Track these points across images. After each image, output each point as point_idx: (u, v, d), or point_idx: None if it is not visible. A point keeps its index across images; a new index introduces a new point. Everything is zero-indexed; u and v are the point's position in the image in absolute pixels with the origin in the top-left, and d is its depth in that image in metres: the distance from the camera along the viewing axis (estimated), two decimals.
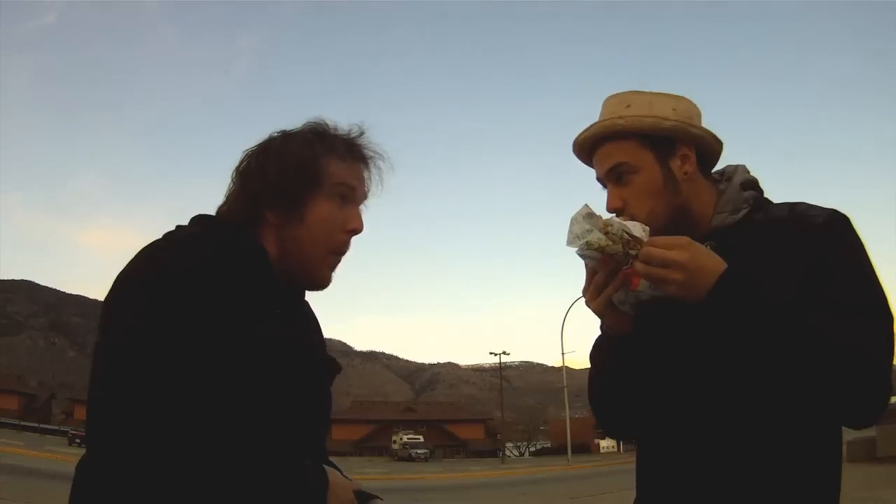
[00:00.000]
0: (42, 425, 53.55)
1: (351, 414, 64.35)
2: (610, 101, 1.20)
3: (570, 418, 36.84)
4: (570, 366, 38.57)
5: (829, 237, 1.06)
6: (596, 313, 1.13)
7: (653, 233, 1.06)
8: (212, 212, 1.15)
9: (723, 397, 1.06)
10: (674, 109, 1.14)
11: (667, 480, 1.13)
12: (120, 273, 0.99)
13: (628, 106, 1.15)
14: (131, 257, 1.00)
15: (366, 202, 1.18)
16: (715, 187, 1.20)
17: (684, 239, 1.02)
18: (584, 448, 54.04)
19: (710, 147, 1.18)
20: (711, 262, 1.01)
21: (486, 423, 68.44)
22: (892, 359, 1.01)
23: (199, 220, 1.12)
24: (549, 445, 64.63)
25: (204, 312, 0.94)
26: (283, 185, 1.08)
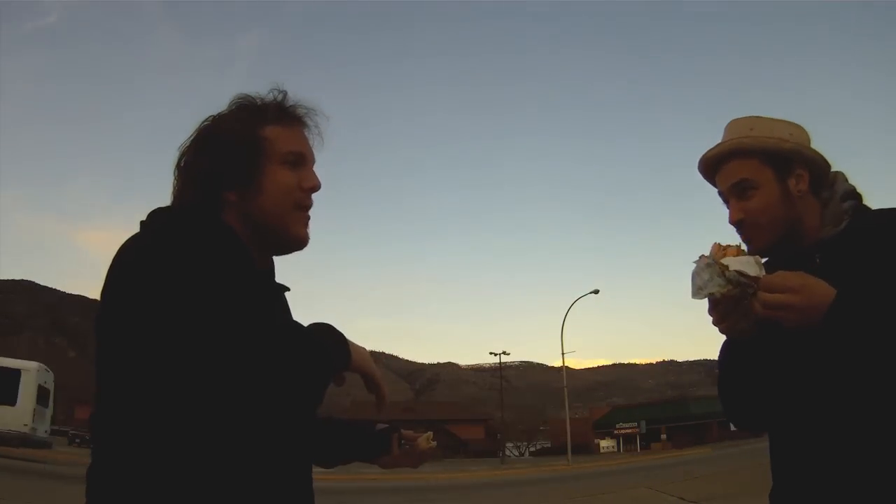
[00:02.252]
0: None
1: (351, 414, 64.12)
2: (734, 124, 1.33)
3: (570, 418, 36.79)
4: (570, 366, 38.57)
5: None
6: (722, 333, 1.26)
7: (767, 245, 1.25)
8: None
9: (844, 392, 1.13)
10: (791, 133, 1.27)
11: (799, 471, 1.20)
12: (111, 271, 0.99)
13: (752, 129, 1.28)
14: (115, 256, 1.00)
15: (315, 161, 1.20)
16: (820, 201, 1.29)
17: (797, 280, 1.11)
18: (584, 448, 54.06)
19: (821, 168, 1.28)
20: (822, 297, 1.09)
21: (486, 423, 68.42)
22: None
23: (162, 213, 1.11)
24: (549, 445, 64.68)
25: (205, 296, 0.94)
26: (234, 164, 1.10)
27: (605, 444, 59.50)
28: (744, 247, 1.22)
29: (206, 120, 1.16)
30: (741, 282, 1.11)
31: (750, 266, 1.13)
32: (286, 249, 1.18)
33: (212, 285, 0.95)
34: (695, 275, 1.16)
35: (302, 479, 1.13)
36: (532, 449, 67.97)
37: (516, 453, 63.54)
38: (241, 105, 1.16)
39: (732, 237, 1.29)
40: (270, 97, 1.17)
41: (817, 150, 1.29)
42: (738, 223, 1.28)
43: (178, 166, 1.14)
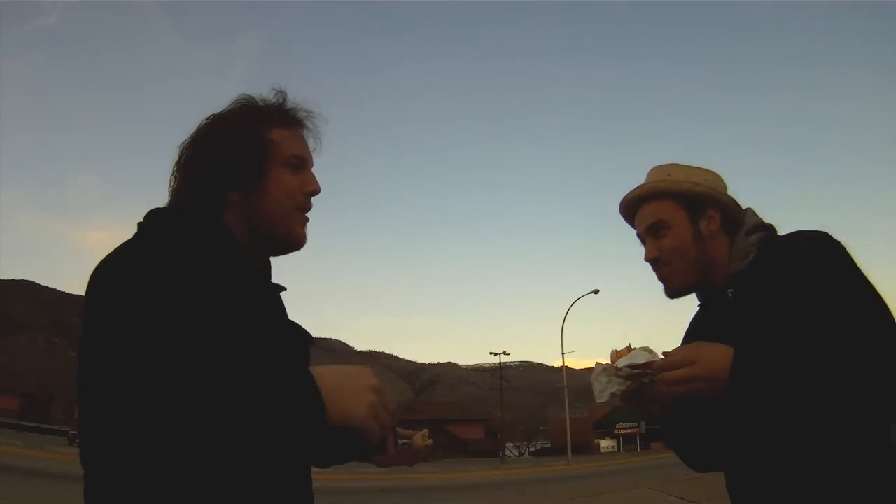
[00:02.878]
0: (42, 425, 53.52)
1: None
2: (653, 171, 1.43)
3: (570, 418, 36.80)
4: (570, 366, 38.52)
5: (807, 263, 1.19)
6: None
7: (682, 284, 1.35)
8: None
9: (769, 438, 1.21)
10: (705, 179, 1.38)
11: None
12: (96, 276, 0.97)
13: (669, 174, 1.39)
14: (104, 258, 0.99)
15: (315, 163, 1.22)
16: (730, 239, 1.37)
17: (692, 352, 1.17)
18: (584, 448, 54.02)
19: (732, 210, 1.37)
20: (720, 360, 1.14)
21: (486, 423, 68.36)
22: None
23: (160, 213, 1.11)
24: (549, 445, 64.64)
25: (188, 300, 0.93)
26: (240, 163, 1.10)
27: (605, 444, 59.42)
28: (634, 345, 1.28)
29: (208, 119, 1.16)
30: (633, 374, 1.19)
31: (639, 357, 1.20)
32: (284, 250, 1.19)
33: (188, 307, 0.92)
34: (594, 381, 1.25)
35: (299, 481, 1.13)
36: (532, 449, 67.91)
37: (516, 453, 63.51)
38: (244, 106, 1.16)
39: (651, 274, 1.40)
40: (272, 99, 1.18)
41: (729, 194, 1.39)
42: (653, 261, 1.37)
43: (178, 164, 1.14)
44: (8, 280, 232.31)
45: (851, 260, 1.20)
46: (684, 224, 1.35)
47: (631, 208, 1.42)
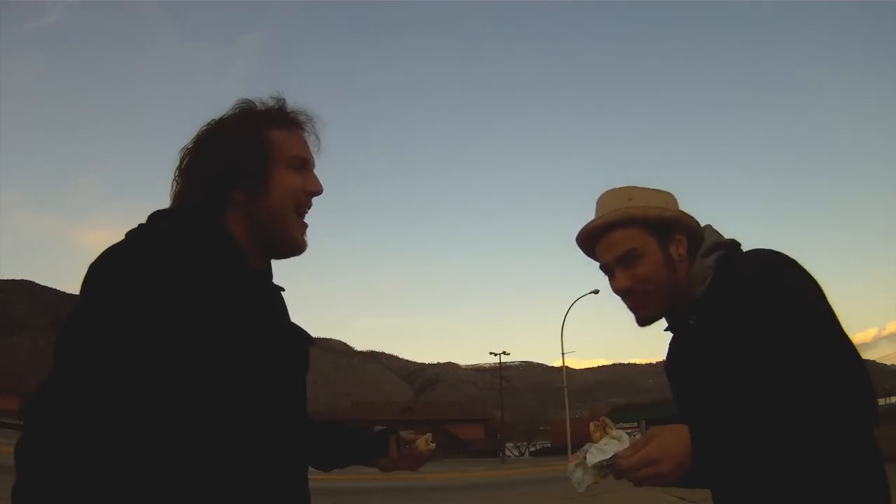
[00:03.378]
0: None
1: (351, 414, 64.14)
2: (608, 196, 1.36)
3: (570, 418, 36.71)
4: (570, 366, 38.52)
5: (761, 289, 1.17)
6: None
7: (655, 311, 1.32)
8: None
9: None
10: (666, 202, 1.34)
11: None
12: (87, 271, 0.98)
13: (630, 199, 1.32)
14: (99, 255, 1.00)
15: (316, 165, 1.23)
16: (691, 260, 1.34)
17: (654, 452, 1.10)
18: None
19: (696, 232, 1.34)
20: (682, 447, 1.10)
21: (486, 423, 68.31)
22: (856, 376, 1.09)
23: (161, 216, 1.11)
24: (549, 445, 64.52)
25: (172, 302, 0.94)
26: (244, 164, 1.12)
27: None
28: (608, 421, 1.27)
29: (209, 123, 1.17)
30: (603, 467, 1.23)
31: (609, 447, 1.22)
32: (284, 253, 1.19)
33: (158, 310, 0.92)
34: (569, 475, 1.30)
35: (293, 483, 1.12)
36: (532, 449, 67.84)
37: (516, 453, 63.45)
38: (245, 109, 1.18)
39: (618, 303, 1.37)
40: (273, 102, 1.20)
41: (689, 214, 1.35)
42: (626, 291, 1.32)
43: (179, 168, 1.15)
44: (8, 280, 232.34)
45: (805, 283, 1.18)
46: (655, 251, 1.30)
47: (593, 237, 1.36)
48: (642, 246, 1.30)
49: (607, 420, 1.31)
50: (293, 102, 1.22)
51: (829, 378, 1.08)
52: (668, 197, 1.36)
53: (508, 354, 54.18)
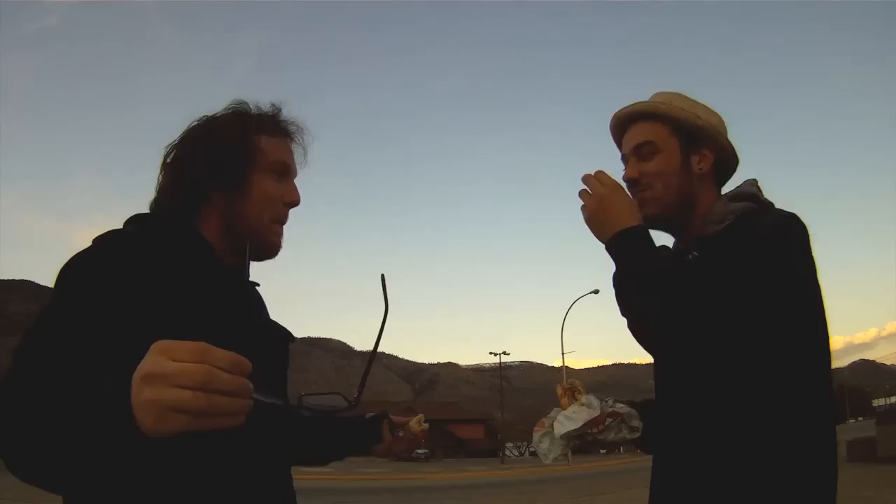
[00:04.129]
0: None
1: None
2: (656, 94, 1.34)
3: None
4: (570, 366, 38.48)
5: (763, 242, 1.11)
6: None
7: (656, 213, 1.25)
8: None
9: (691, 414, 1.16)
10: (708, 116, 1.28)
11: (665, 489, 1.23)
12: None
13: (672, 101, 1.29)
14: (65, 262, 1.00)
15: (298, 175, 1.22)
16: (717, 190, 1.28)
17: (610, 181, 1.21)
18: (584, 448, 53.88)
19: (727, 158, 1.29)
20: (624, 213, 1.17)
21: (486, 423, 68.32)
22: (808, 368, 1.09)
23: (133, 219, 1.12)
24: None
25: (125, 296, 0.94)
26: (226, 164, 1.11)
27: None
28: (577, 384, 1.25)
29: (197, 120, 1.17)
30: (573, 437, 1.19)
31: (580, 413, 1.18)
32: (258, 257, 1.18)
33: (79, 301, 0.92)
34: (536, 446, 1.24)
35: (272, 481, 1.10)
36: (532, 449, 67.58)
37: (516, 453, 63.42)
38: (235, 111, 1.18)
39: None
40: (265, 108, 1.20)
41: (728, 139, 1.29)
42: (631, 181, 1.27)
43: (164, 163, 1.15)
44: (8, 280, 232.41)
45: (802, 257, 1.13)
46: (674, 152, 1.25)
47: (622, 126, 1.32)
48: (661, 142, 1.25)
49: (576, 383, 1.26)
50: (289, 111, 1.21)
51: (781, 358, 1.06)
52: (714, 115, 1.29)
53: (508, 354, 54.38)
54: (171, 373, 0.66)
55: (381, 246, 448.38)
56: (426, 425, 1.46)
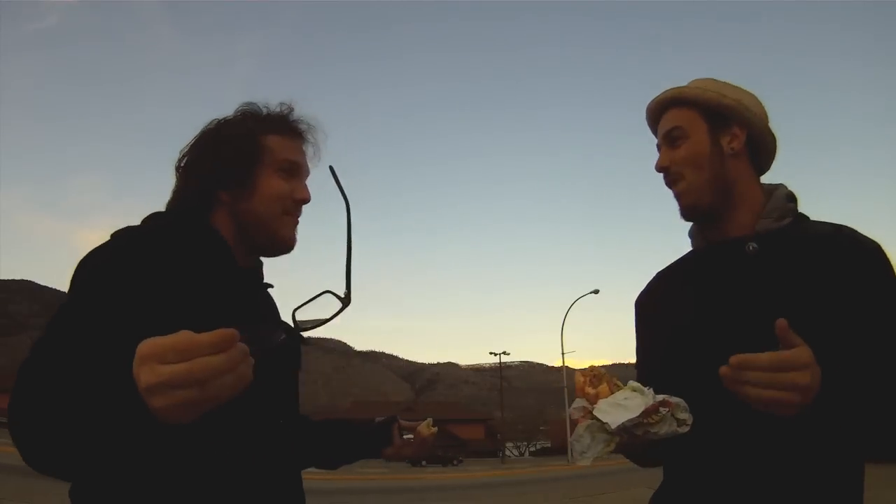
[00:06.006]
0: None
1: (351, 414, 64.17)
2: (692, 81, 1.31)
3: (570, 418, 36.73)
4: (570, 366, 38.55)
5: (878, 264, 1.09)
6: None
7: (695, 202, 1.20)
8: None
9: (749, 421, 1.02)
10: (736, 94, 1.24)
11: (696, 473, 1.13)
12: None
13: (704, 86, 1.26)
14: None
15: (309, 174, 1.23)
16: (762, 188, 1.24)
17: (807, 355, 0.88)
18: None
19: (762, 136, 1.24)
20: (811, 358, 0.90)
21: (486, 423, 68.33)
22: None
23: (152, 217, 1.14)
24: (549, 445, 64.54)
25: (143, 289, 0.95)
26: (231, 164, 1.13)
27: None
28: (602, 371, 1.07)
29: (210, 123, 1.20)
30: (626, 427, 0.97)
31: (634, 400, 1.00)
32: (273, 251, 1.20)
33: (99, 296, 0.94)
34: (574, 442, 1.02)
35: (282, 483, 1.11)
36: (532, 449, 67.86)
37: (516, 453, 63.48)
38: (245, 112, 1.20)
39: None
40: (276, 108, 1.21)
41: (763, 117, 1.25)
42: (663, 169, 1.25)
43: (177, 166, 1.17)
44: (8, 280, 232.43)
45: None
46: (703, 136, 1.22)
47: (655, 116, 1.31)
48: (689, 127, 1.23)
49: (600, 370, 1.06)
50: (299, 109, 1.23)
51: None
52: (746, 95, 1.25)
53: (508, 354, 54.38)
54: (166, 381, 0.70)
55: (381, 246, 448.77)
56: (435, 429, 1.47)
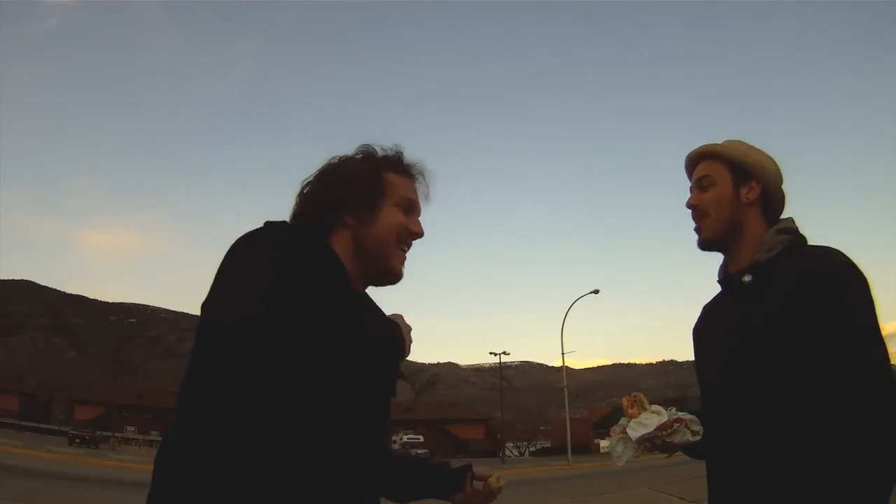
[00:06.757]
0: (42, 425, 53.53)
1: None
2: (726, 141, 1.60)
3: (570, 418, 36.81)
4: (570, 366, 38.58)
5: (832, 283, 1.29)
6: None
7: (711, 236, 1.51)
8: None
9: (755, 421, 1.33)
10: (759, 156, 1.53)
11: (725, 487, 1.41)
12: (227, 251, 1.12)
13: (735, 147, 1.55)
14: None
15: (421, 214, 1.36)
16: (766, 228, 1.50)
17: None
18: (584, 448, 54.01)
19: (774, 193, 1.52)
20: None
21: (486, 423, 68.37)
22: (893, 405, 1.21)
23: (273, 223, 1.22)
24: (549, 445, 64.58)
25: (304, 296, 1.05)
26: (360, 192, 1.26)
27: (605, 444, 59.19)
28: (642, 396, 1.46)
29: (332, 158, 1.31)
30: (645, 440, 1.37)
31: (652, 419, 1.37)
32: (381, 280, 1.32)
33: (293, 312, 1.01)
34: (611, 449, 1.44)
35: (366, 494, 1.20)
36: (532, 449, 67.83)
37: (516, 453, 63.47)
38: (367, 152, 1.33)
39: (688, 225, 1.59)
40: (391, 150, 1.35)
41: (778, 178, 1.53)
42: (692, 207, 1.56)
43: (300, 193, 1.29)
44: (8, 280, 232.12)
45: (871, 298, 1.30)
46: (727, 185, 1.51)
47: (692, 164, 1.61)
48: (717, 175, 1.53)
49: (640, 395, 1.45)
50: (410, 154, 1.37)
51: (859, 411, 1.19)
52: (767, 159, 1.53)
53: (508, 354, 54.34)
54: None
55: None
56: (504, 483, 1.55)
